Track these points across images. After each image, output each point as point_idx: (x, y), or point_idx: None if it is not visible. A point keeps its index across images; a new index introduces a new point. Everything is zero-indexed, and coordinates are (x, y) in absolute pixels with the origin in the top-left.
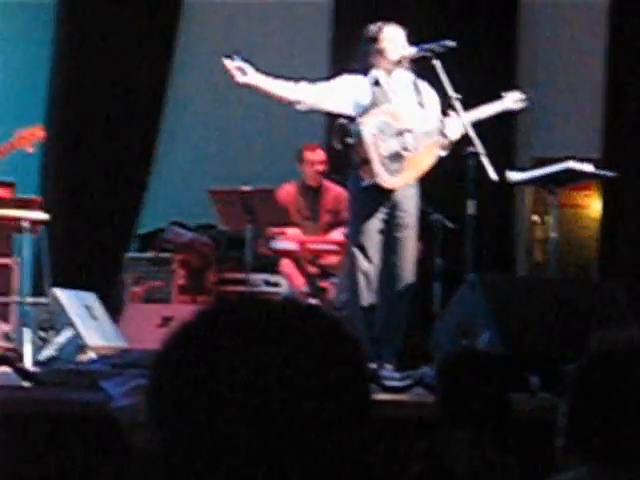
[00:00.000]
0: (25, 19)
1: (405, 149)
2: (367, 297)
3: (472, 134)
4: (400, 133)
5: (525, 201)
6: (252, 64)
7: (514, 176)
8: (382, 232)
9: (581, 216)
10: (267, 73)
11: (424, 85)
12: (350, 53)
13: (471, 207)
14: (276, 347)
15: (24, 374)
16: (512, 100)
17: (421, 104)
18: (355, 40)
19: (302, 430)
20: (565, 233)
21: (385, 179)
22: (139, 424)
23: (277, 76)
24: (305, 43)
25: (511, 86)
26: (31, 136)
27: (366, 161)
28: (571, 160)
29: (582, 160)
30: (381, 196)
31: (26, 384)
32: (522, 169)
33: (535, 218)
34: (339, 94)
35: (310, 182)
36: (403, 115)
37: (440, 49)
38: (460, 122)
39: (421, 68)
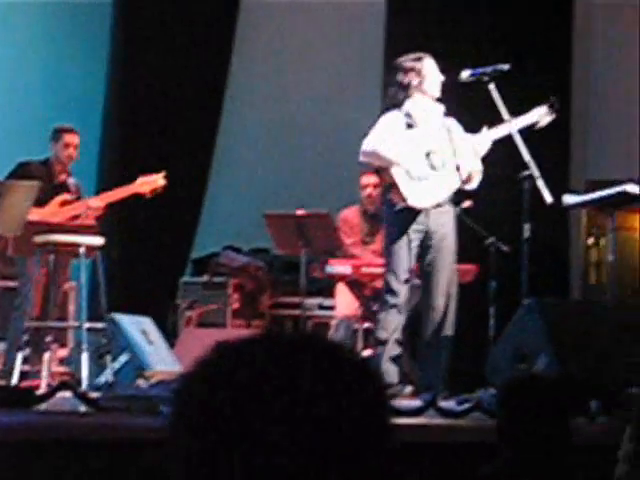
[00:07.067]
0: (82, 18)
1: (433, 168)
2: (394, 330)
3: (527, 157)
4: (427, 154)
5: (580, 224)
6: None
7: (570, 199)
8: (417, 256)
9: (637, 239)
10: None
11: (452, 121)
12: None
13: (527, 230)
14: (297, 388)
15: (85, 399)
16: (538, 114)
17: (451, 139)
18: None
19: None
20: (621, 256)
21: (414, 200)
22: None
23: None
24: (359, 41)
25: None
26: (153, 184)
27: (394, 185)
28: (628, 183)
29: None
30: (415, 220)
31: (86, 409)
32: (576, 192)
33: (590, 241)
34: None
35: (366, 206)
36: (429, 136)
37: (495, 73)
38: (487, 139)
39: (472, 91)
